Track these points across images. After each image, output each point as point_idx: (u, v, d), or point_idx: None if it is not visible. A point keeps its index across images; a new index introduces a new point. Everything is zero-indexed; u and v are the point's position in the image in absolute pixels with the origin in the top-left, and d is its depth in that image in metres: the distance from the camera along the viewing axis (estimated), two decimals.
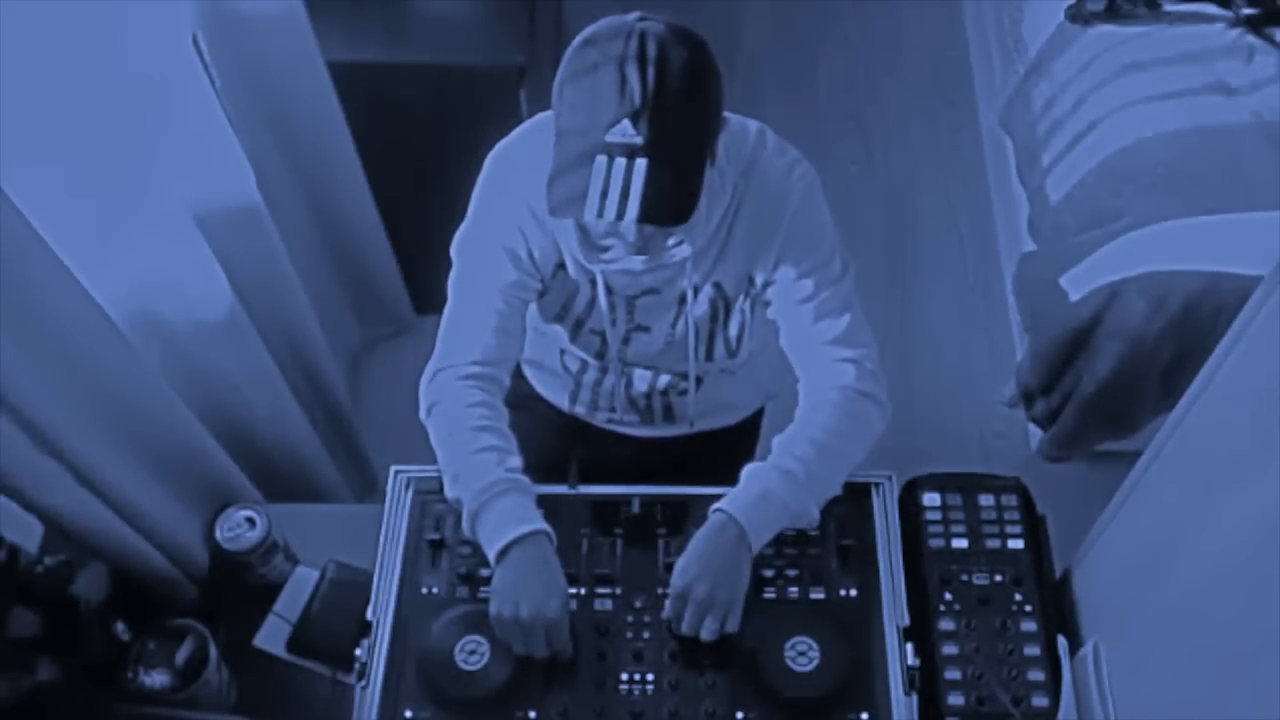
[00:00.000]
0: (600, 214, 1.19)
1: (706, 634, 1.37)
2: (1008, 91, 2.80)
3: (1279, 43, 2.48)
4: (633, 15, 1.22)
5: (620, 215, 1.19)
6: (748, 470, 1.43)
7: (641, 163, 1.17)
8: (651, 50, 1.18)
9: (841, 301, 1.45)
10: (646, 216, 1.20)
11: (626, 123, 1.17)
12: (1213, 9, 2.54)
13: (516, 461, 1.41)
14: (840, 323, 1.45)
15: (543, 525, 1.37)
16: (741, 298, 1.48)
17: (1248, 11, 2.50)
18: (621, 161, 1.17)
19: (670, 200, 1.21)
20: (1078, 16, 2.60)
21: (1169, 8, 2.56)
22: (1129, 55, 2.51)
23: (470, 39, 2.36)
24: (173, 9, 1.61)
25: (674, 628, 1.41)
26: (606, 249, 1.39)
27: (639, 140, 1.17)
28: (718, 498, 1.53)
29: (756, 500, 1.39)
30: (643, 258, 1.38)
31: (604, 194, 1.18)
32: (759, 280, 1.46)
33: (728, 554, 1.37)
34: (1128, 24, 2.57)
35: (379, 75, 2.30)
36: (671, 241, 1.38)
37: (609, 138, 1.17)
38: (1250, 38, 2.50)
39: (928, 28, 3.47)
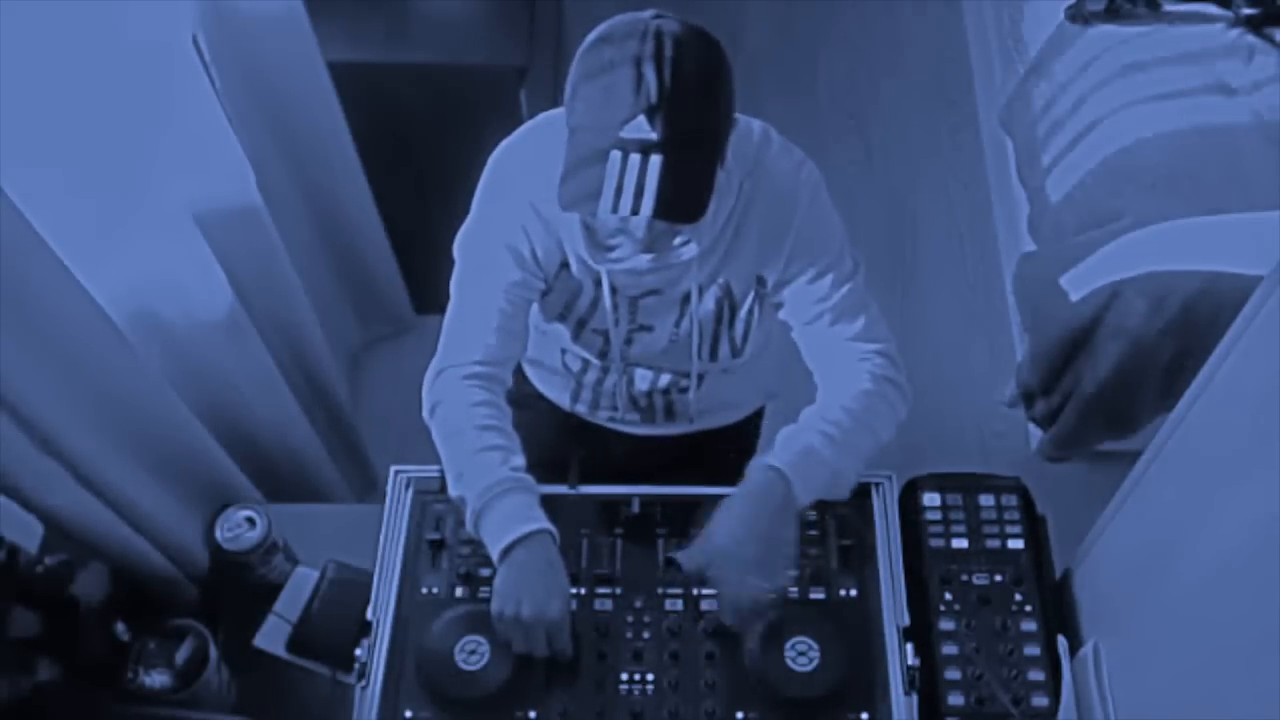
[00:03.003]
0: (615, 209, 1.19)
1: (753, 596, 1.33)
2: (1008, 91, 2.80)
3: (1279, 43, 2.48)
4: (648, 13, 1.22)
5: (635, 210, 1.18)
6: (784, 432, 1.40)
7: (656, 159, 1.17)
8: (668, 48, 1.18)
9: (858, 299, 1.45)
10: (661, 213, 1.19)
11: (642, 119, 1.17)
12: (1213, 9, 2.54)
13: (520, 461, 1.41)
14: (859, 321, 1.45)
15: (546, 525, 1.37)
16: (750, 298, 1.48)
17: (1248, 11, 2.50)
18: (636, 158, 1.17)
19: (684, 197, 1.21)
20: (1078, 16, 2.60)
21: (1169, 8, 2.56)
22: (1129, 55, 2.51)
23: (470, 39, 2.36)
24: (173, 9, 1.61)
25: (722, 616, 1.37)
26: (612, 248, 1.40)
27: (654, 137, 1.17)
28: (718, 498, 1.53)
29: (801, 456, 1.37)
30: (649, 256, 1.38)
31: (618, 190, 1.18)
32: (770, 281, 1.46)
33: (775, 513, 1.35)
34: (1128, 24, 2.57)
35: (379, 75, 2.30)
36: (678, 241, 1.38)
37: (624, 134, 1.17)
38: (1250, 38, 2.50)
39: (928, 28, 3.47)
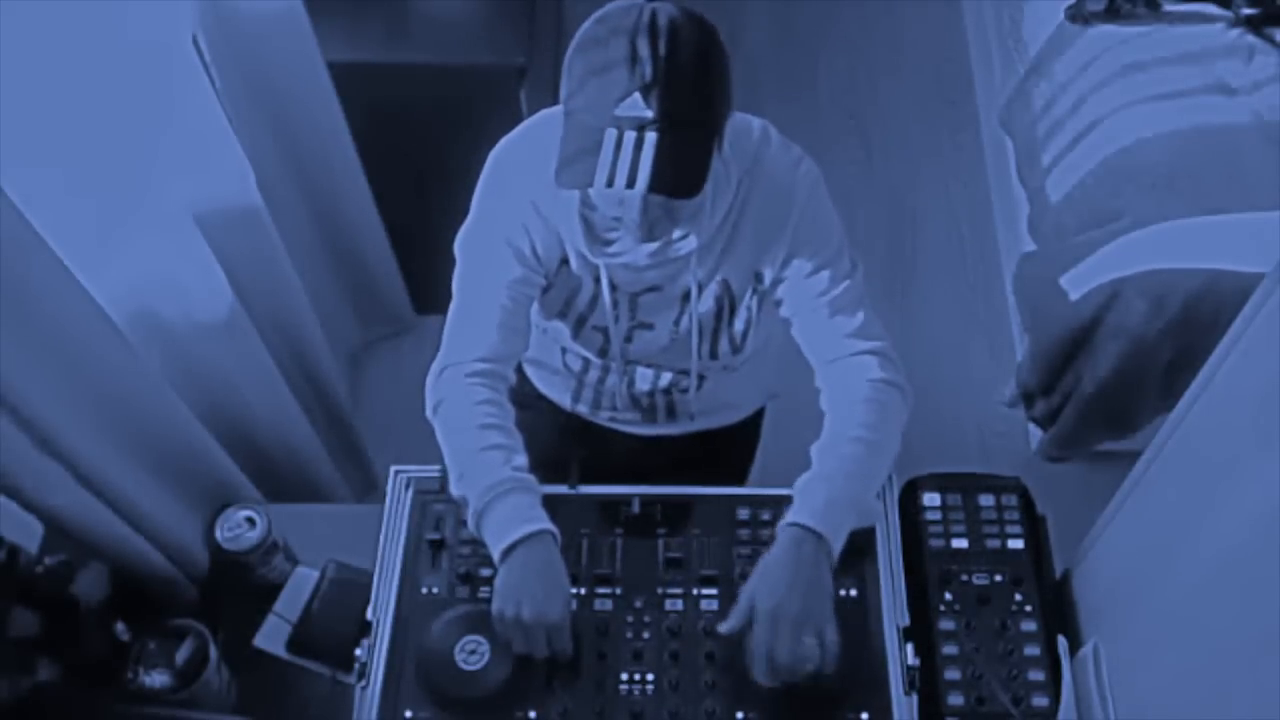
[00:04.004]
0: (610, 184, 1.19)
1: (807, 651, 1.30)
2: (1008, 91, 2.80)
3: (1279, 43, 2.48)
4: None
5: (631, 184, 1.19)
6: (801, 483, 1.39)
7: (651, 135, 1.18)
8: (663, 28, 1.19)
9: (856, 296, 1.45)
10: (656, 186, 1.20)
11: (637, 96, 1.18)
12: (1213, 9, 2.54)
13: (522, 460, 1.40)
14: (857, 317, 1.45)
15: (548, 525, 1.37)
16: (748, 294, 1.48)
17: (1248, 11, 2.50)
18: (632, 134, 1.18)
19: (680, 172, 1.21)
20: (1078, 16, 2.60)
21: (1169, 8, 2.56)
22: (1129, 55, 2.51)
23: (470, 39, 2.36)
24: (173, 9, 1.61)
25: (760, 671, 1.32)
26: (611, 242, 1.40)
27: (649, 114, 1.18)
28: (718, 498, 1.54)
29: (825, 506, 1.36)
30: (648, 250, 1.38)
31: (614, 165, 1.19)
32: (768, 277, 1.46)
33: (811, 568, 1.33)
34: (1128, 24, 2.57)
35: (379, 75, 2.31)
36: (677, 234, 1.38)
37: (619, 112, 1.18)
38: (1250, 38, 2.50)
39: (928, 28, 3.47)
